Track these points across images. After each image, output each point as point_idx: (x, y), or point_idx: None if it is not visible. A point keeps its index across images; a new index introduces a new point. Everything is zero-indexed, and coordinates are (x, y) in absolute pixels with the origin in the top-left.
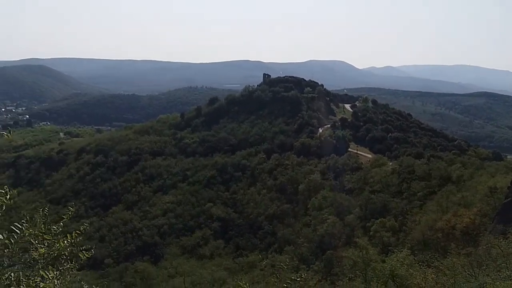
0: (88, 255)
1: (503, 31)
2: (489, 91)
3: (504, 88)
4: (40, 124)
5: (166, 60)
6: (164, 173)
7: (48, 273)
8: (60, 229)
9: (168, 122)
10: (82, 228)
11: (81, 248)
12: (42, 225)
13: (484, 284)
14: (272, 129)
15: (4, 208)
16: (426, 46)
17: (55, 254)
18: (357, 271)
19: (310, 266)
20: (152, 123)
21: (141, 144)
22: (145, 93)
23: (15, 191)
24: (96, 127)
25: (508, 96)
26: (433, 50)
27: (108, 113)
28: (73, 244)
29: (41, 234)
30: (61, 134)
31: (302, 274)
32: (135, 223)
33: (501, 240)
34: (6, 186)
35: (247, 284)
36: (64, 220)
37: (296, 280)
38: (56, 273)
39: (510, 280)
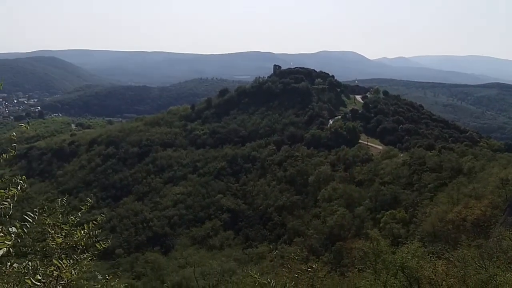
0: (105, 245)
1: None
2: (502, 82)
3: None
4: (52, 115)
5: (177, 52)
6: (175, 165)
7: (63, 263)
8: (78, 219)
9: (178, 113)
10: (99, 219)
11: (96, 238)
12: (60, 215)
13: (495, 276)
14: (282, 120)
15: (16, 198)
16: (439, 37)
17: (72, 244)
18: (367, 262)
19: (320, 257)
20: (162, 115)
21: (151, 135)
22: (156, 85)
23: (24, 177)
24: (107, 118)
25: None
26: (446, 40)
27: (119, 104)
28: (90, 234)
29: (58, 224)
30: (73, 126)
31: (312, 265)
32: (145, 214)
33: None
34: (24, 177)
35: (257, 275)
36: (82, 210)
37: (306, 271)
38: (71, 261)
39: None
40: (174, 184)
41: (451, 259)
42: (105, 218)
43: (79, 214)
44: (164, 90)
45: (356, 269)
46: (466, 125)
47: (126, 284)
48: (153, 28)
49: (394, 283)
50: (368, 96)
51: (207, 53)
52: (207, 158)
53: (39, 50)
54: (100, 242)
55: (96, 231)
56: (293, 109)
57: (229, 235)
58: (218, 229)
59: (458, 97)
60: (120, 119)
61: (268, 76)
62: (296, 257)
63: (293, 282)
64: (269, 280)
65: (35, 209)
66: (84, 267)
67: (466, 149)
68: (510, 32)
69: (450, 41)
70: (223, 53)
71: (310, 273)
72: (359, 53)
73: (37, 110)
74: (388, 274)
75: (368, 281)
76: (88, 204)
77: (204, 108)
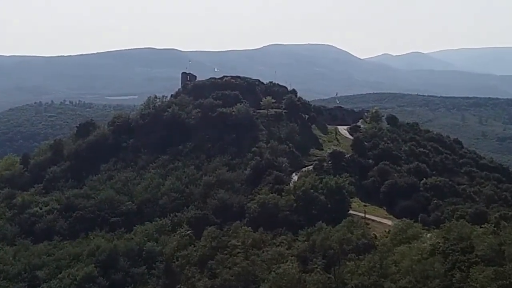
0: None
1: None
2: None
3: None
4: None
5: None
6: None
7: None
8: None
9: None
10: None
11: None
12: None
13: None
14: (203, 178)
15: None
16: (476, 18)
17: None
18: None
19: None
20: None
21: None
22: None
23: None
24: None
25: None
26: (488, 23)
27: None
28: None
29: None
30: None
31: None
32: None
33: None
34: None
35: None
36: None
37: None
38: None
39: None
40: None
41: None
42: None
43: None
44: None
45: None
46: None
47: None
48: None
49: None
50: (361, 126)
51: (53, 54)
52: (58, 261)
53: None
54: None
55: None
56: (222, 156)
57: None
58: None
59: None
60: None
61: (172, 95)
62: None
63: None
64: None
65: None
66: None
67: None
68: None
69: (494, 25)
70: (84, 53)
71: None
72: (339, 47)
73: None
74: None
75: None
76: None
77: (48, 160)
